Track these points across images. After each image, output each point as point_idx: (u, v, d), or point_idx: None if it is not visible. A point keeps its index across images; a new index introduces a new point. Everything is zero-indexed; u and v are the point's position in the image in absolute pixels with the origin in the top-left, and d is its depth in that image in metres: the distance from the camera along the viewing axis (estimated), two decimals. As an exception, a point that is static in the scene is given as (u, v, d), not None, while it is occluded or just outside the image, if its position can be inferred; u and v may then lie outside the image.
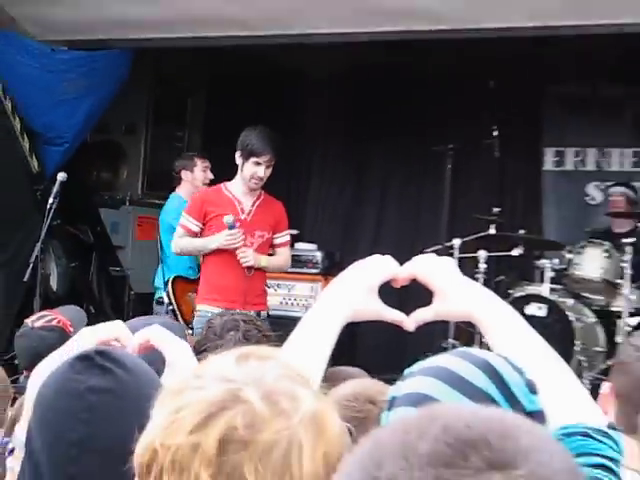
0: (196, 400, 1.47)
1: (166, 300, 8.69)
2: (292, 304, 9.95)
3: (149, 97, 11.59)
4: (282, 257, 7.52)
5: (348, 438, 1.56)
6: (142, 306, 9.75)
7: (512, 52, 9.64)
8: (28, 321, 5.54)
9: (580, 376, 8.92)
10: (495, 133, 9.59)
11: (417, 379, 1.89)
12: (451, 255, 8.93)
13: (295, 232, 8.41)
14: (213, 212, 7.14)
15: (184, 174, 9.00)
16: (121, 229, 11.18)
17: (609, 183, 10.12)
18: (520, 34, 8.95)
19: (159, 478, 1.45)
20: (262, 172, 7.21)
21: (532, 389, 1.88)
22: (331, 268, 10.01)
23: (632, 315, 8.62)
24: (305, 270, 10.06)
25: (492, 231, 9.19)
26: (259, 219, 7.30)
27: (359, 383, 3.20)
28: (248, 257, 7.06)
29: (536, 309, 8.72)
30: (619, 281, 8.74)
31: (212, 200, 7.29)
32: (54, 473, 2.00)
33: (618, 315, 8.73)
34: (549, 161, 11.06)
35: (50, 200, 8.14)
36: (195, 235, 7.29)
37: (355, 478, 0.97)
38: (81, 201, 10.37)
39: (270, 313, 8.31)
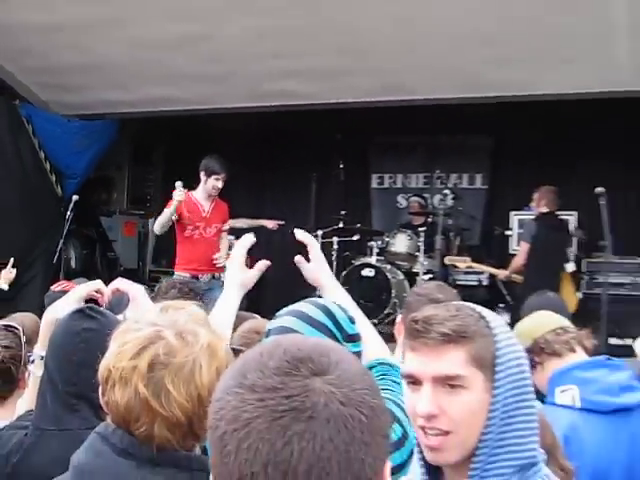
0: (134, 337, 1.75)
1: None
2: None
3: (130, 147, 12.74)
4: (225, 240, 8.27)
5: (232, 357, 1.80)
6: (129, 276, 10.40)
7: (348, 116, 10.74)
8: (52, 287, 5.86)
9: (396, 311, 9.59)
10: (341, 165, 10.90)
11: (283, 318, 2.28)
12: (317, 240, 10.81)
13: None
14: (185, 210, 7.94)
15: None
16: (113, 229, 12.49)
17: (410, 195, 11.52)
18: (350, 107, 10.26)
19: (112, 387, 1.74)
20: (220, 184, 8.05)
21: (352, 321, 2.29)
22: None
23: (425, 274, 9.82)
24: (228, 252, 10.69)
25: (341, 225, 10.43)
26: (214, 216, 8.13)
27: (252, 321, 3.65)
28: (220, 260, 7.88)
29: (368, 272, 10.05)
30: (417, 253, 10.11)
31: (185, 203, 7.93)
32: (63, 381, 2.34)
33: (417, 274, 10.03)
34: (374, 182, 12.54)
35: (68, 213, 9.42)
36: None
37: (230, 384, 1.11)
38: (88, 213, 11.20)
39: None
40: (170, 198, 7.96)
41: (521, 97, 9.33)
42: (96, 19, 8.52)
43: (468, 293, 10.22)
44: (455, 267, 9.35)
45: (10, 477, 2.34)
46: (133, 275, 11.10)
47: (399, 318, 3.42)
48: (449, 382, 1.69)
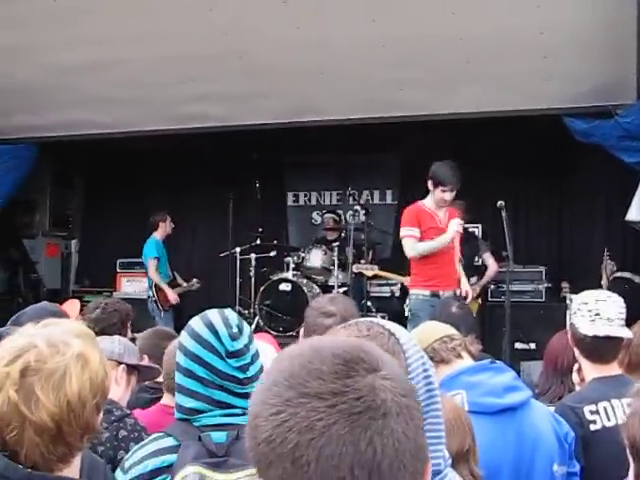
0: (10, 346, 1.77)
1: (151, 294, 10.10)
2: (140, 291, 10.71)
3: (51, 170, 12.57)
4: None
5: (106, 367, 1.85)
6: (52, 296, 10.49)
7: (263, 137, 10.69)
8: None
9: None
10: (257, 184, 10.97)
11: (181, 333, 2.51)
12: (235, 257, 10.40)
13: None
14: (423, 221, 7.22)
15: (161, 224, 10.41)
16: (36, 251, 12.35)
17: (324, 211, 11.67)
18: (264, 128, 10.15)
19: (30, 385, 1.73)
20: (447, 197, 7.28)
21: (233, 338, 2.40)
22: None
23: (340, 287, 9.91)
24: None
25: (258, 242, 10.66)
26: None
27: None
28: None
29: (285, 286, 10.12)
30: (331, 267, 10.25)
31: (420, 214, 7.29)
32: None
33: (332, 287, 10.10)
34: (290, 199, 12.68)
35: None
36: (419, 239, 7.19)
37: (288, 395, 1.06)
38: (10, 235, 11.26)
39: (127, 297, 9.70)
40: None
41: (425, 116, 9.48)
42: (10, 45, 8.41)
43: (382, 304, 10.50)
44: (362, 275, 9.28)
45: None
46: (57, 295, 10.98)
47: (302, 331, 3.56)
48: None
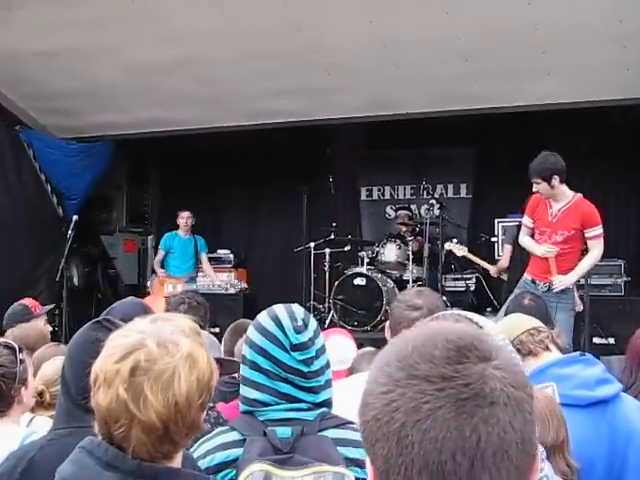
0: (120, 343, 1.78)
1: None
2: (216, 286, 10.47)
3: (128, 167, 12.79)
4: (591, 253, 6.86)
5: (212, 366, 1.84)
6: (130, 291, 11.08)
7: (337, 132, 10.92)
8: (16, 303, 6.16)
9: (387, 319, 10.71)
10: (331, 179, 10.95)
11: (250, 328, 2.49)
12: (309, 252, 10.40)
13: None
14: (537, 213, 6.89)
15: (178, 220, 10.36)
16: (114, 247, 12.52)
17: (398, 206, 11.47)
18: (339, 123, 10.25)
19: (98, 389, 1.76)
20: (534, 188, 6.85)
21: (298, 331, 2.39)
22: (239, 264, 11.50)
23: (414, 281, 9.98)
24: (224, 265, 11.30)
25: (332, 237, 10.55)
26: (561, 221, 6.76)
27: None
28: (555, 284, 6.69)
29: (360, 281, 10.08)
30: (406, 262, 10.24)
31: (536, 204, 6.95)
32: (78, 388, 2.40)
33: (407, 281, 10.16)
34: (363, 194, 12.61)
35: (69, 232, 9.52)
36: (530, 229, 6.98)
37: (399, 376, 1.07)
38: (88, 232, 11.23)
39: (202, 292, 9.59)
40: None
41: (501, 108, 9.39)
42: (91, 45, 8.64)
43: (457, 298, 10.39)
44: (452, 253, 9.26)
45: (26, 471, 2.39)
46: (135, 290, 11.16)
47: (388, 324, 3.48)
48: None
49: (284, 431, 2.31)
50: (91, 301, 11.20)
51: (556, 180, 6.70)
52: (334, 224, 10.84)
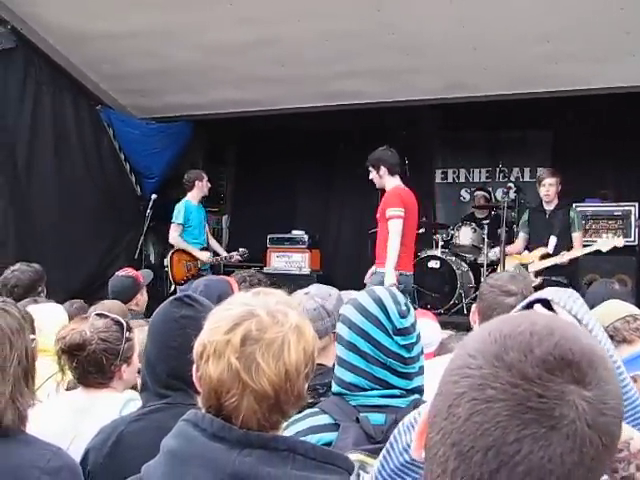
0: (228, 314, 1.79)
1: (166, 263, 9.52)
2: (290, 267, 11.02)
3: (204, 147, 12.72)
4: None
5: (315, 339, 1.84)
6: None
7: (412, 113, 10.73)
8: (117, 272, 6.47)
9: (461, 301, 9.72)
10: (406, 161, 10.10)
11: (345, 306, 2.46)
12: None
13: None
14: None
15: (197, 184, 9.41)
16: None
17: (475, 188, 11.37)
18: (414, 104, 10.21)
19: (207, 361, 1.76)
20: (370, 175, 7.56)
21: (402, 315, 2.32)
22: (312, 245, 11.26)
23: (489, 265, 9.56)
24: (298, 246, 11.11)
25: None
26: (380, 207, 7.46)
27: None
28: None
29: (434, 263, 10.03)
30: (481, 245, 9.96)
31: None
32: (163, 364, 2.48)
33: (481, 265, 9.77)
34: (438, 177, 12.41)
35: (148, 211, 9.81)
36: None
37: (489, 350, 1.01)
38: (166, 210, 10.58)
39: (277, 272, 10.05)
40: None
41: (580, 91, 9.16)
42: (169, 26, 8.67)
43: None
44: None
45: (115, 445, 2.46)
46: (210, 270, 10.61)
47: (474, 307, 3.45)
48: None
49: (377, 418, 2.25)
50: (167, 279, 11.18)
51: (382, 170, 7.43)
52: None
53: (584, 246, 8.04)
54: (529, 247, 8.33)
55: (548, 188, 8.05)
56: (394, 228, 7.17)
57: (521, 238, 8.55)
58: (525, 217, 8.36)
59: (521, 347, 1.01)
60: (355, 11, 8.10)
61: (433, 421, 1.05)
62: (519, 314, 1.12)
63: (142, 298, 6.31)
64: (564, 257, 7.85)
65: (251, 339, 1.75)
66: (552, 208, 8.17)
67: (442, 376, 1.07)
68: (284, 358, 1.75)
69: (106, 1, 8.37)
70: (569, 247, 7.96)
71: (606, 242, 7.77)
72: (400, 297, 2.39)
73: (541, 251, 8.10)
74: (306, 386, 1.83)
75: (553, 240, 8.01)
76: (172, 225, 9.30)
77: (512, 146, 11.49)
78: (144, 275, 6.62)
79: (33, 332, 2.98)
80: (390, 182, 7.51)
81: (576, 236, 8.07)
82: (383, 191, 7.64)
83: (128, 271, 6.51)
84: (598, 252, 7.82)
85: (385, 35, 8.46)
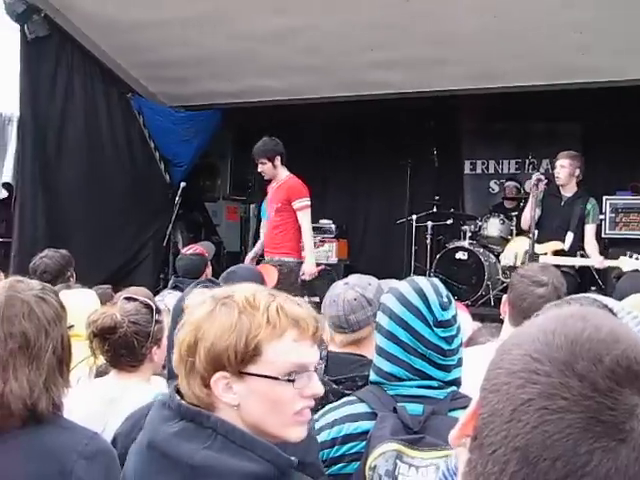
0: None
1: None
2: (318, 256, 10.24)
3: (232, 136, 12.79)
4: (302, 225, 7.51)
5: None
6: (232, 258, 11.34)
7: (441, 104, 10.70)
8: (183, 250, 6.95)
9: (489, 293, 9.63)
10: (435, 152, 10.89)
11: (385, 295, 2.45)
12: (411, 225, 10.38)
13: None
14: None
15: None
16: (217, 214, 12.76)
17: (503, 180, 11.45)
18: (443, 95, 10.20)
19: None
20: (259, 168, 7.78)
21: (443, 307, 2.30)
22: (340, 235, 11.35)
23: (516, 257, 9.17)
24: (325, 236, 11.12)
25: (434, 210, 10.53)
26: (274, 196, 7.74)
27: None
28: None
29: (461, 255, 9.99)
30: (509, 237, 9.89)
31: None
32: None
33: None
34: (467, 168, 12.33)
35: (177, 198, 9.86)
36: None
37: (556, 355, 0.97)
38: (194, 198, 11.33)
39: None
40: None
41: (611, 83, 9.09)
42: (200, 14, 8.67)
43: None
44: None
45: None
46: (236, 259, 11.10)
47: (504, 298, 3.43)
48: None
49: (415, 408, 2.25)
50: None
51: (278, 161, 7.63)
52: (436, 197, 10.77)
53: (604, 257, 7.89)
54: (539, 234, 7.97)
55: (559, 170, 7.94)
56: (307, 217, 7.50)
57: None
58: (540, 196, 8.11)
59: (590, 356, 0.98)
60: (384, 1, 8.10)
61: (488, 420, 1.01)
62: (574, 311, 1.07)
63: (209, 271, 6.69)
64: (594, 262, 7.80)
65: None
66: (569, 195, 7.99)
67: (495, 373, 1.03)
68: None
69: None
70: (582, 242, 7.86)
71: (628, 262, 7.57)
72: (442, 288, 2.38)
73: (556, 245, 7.91)
74: (191, 370, 1.78)
75: (570, 237, 7.86)
76: None
77: (542, 137, 11.37)
78: (207, 249, 7.15)
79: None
80: (283, 172, 7.75)
81: (589, 228, 7.89)
82: (270, 181, 7.94)
83: (195, 248, 6.97)
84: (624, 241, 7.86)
85: (413, 26, 8.44)
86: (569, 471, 0.93)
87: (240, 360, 1.72)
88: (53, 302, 2.34)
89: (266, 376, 1.74)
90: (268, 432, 1.79)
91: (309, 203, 7.53)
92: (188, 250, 6.96)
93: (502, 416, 0.99)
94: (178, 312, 2.47)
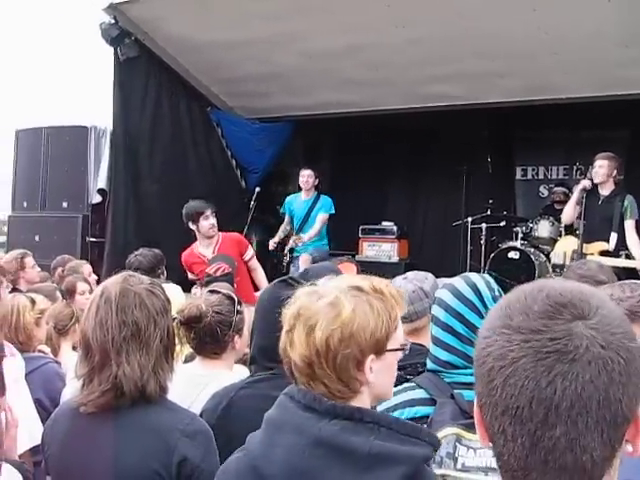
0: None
1: None
2: (380, 255, 11.30)
3: (304, 146, 13.04)
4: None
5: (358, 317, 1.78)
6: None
7: (494, 114, 10.95)
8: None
9: None
10: (489, 159, 11.02)
11: (441, 290, 2.51)
12: (466, 227, 10.56)
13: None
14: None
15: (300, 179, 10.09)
16: None
17: (552, 185, 11.39)
18: (496, 106, 10.41)
19: (294, 328, 1.85)
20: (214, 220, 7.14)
21: (496, 301, 2.30)
22: (401, 235, 11.45)
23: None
24: (387, 236, 11.38)
25: (488, 213, 10.64)
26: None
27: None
28: None
29: (514, 254, 10.05)
30: (558, 238, 9.91)
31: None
32: (265, 341, 2.54)
33: None
34: (518, 174, 12.44)
35: (252, 203, 9.89)
36: None
37: (496, 324, 1.08)
38: (267, 203, 11.46)
39: (368, 260, 10.31)
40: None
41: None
42: (275, 34, 9.12)
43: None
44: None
45: (226, 408, 2.69)
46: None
47: None
48: None
49: (470, 394, 2.22)
50: (266, 268, 11.45)
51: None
52: (490, 201, 10.84)
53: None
54: (583, 232, 8.07)
55: (597, 170, 7.94)
56: (258, 264, 7.50)
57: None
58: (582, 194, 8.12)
59: (521, 309, 1.09)
60: (440, 18, 8.38)
61: (481, 404, 1.13)
62: (512, 291, 1.19)
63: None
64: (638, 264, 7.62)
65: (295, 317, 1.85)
66: (606, 194, 7.99)
67: (475, 365, 1.14)
68: (314, 335, 1.79)
69: (221, 13, 8.89)
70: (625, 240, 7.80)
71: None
72: (493, 284, 2.47)
73: (601, 246, 7.90)
74: (344, 362, 1.82)
75: (614, 237, 7.83)
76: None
77: (589, 145, 11.05)
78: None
79: None
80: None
81: (628, 224, 7.83)
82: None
83: (222, 268, 6.71)
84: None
85: (469, 41, 8.68)
86: (546, 407, 1.03)
87: (388, 340, 1.84)
88: (161, 295, 2.51)
89: (397, 349, 1.90)
90: (384, 398, 2.00)
91: (253, 252, 7.57)
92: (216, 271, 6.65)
93: (484, 396, 1.11)
94: (261, 306, 2.70)
